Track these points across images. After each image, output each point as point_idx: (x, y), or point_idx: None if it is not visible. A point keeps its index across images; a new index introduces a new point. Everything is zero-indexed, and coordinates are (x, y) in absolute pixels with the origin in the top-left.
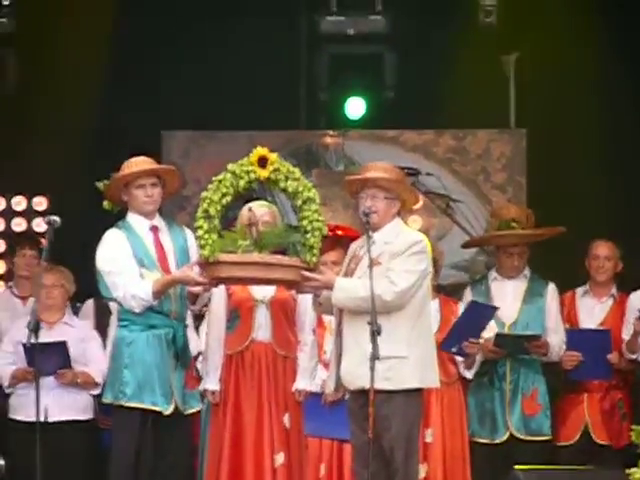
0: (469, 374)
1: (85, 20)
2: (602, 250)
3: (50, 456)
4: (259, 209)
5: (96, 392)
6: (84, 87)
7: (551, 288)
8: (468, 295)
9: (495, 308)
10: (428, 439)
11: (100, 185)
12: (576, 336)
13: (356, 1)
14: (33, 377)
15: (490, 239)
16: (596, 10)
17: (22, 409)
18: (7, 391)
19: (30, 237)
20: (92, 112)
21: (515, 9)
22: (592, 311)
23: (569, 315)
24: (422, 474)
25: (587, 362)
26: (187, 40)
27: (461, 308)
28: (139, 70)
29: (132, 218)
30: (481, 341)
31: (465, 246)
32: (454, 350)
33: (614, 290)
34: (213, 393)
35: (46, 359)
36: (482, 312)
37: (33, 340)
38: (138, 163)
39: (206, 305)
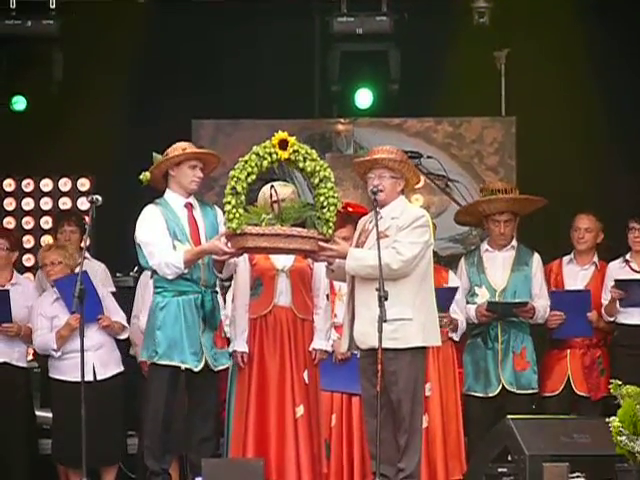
0: (455, 336)
1: (124, 20)
2: (583, 222)
3: (97, 409)
4: (281, 188)
5: (125, 335)
6: (123, 80)
7: (536, 257)
8: (463, 264)
9: (455, 289)
10: (427, 393)
11: (157, 157)
12: (559, 297)
13: (364, 3)
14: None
15: (476, 204)
16: (577, 11)
17: (69, 371)
18: (56, 355)
19: (72, 214)
20: (130, 104)
21: (505, 10)
22: (576, 277)
23: (556, 280)
24: (424, 424)
25: (569, 321)
26: (215, 39)
27: (452, 276)
28: (173, 66)
29: (169, 196)
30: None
31: (457, 216)
32: None
33: (596, 258)
34: (242, 354)
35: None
36: (442, 294)
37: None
38: (191, 146)
39: (232, 276)
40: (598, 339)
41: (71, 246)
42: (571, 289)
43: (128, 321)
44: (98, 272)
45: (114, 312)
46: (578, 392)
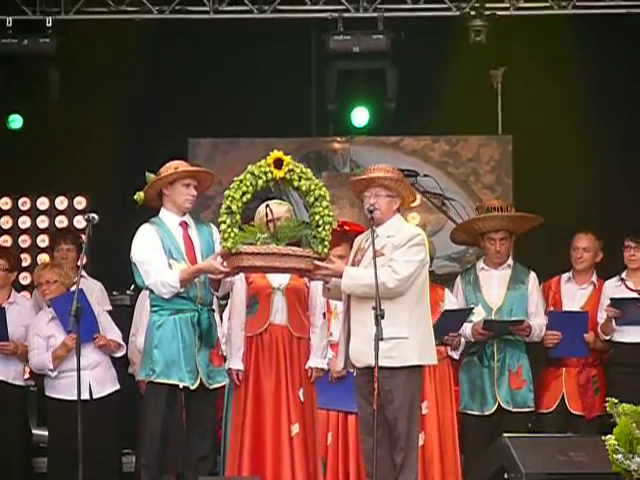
0: (455, 354)
1: (120, 39)
2: (581, 242)
3: (93, 427)
4: (276, 206)
5: (121, 354)
6: (119, 99)
7: (532, 276)
8: (459, 283)
9: (470, 309)
10: (423, 411)
11: (150, 176)
12: (557, 317)
13: (360, 22)
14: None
15: (472, 222)
16: (572, 30)
17: (65, 389)
18: (53, 375)
19: (68, 232)
20: (126, 122)
21: (502, 28)
22: (574, 296)
23: (554, 299)
24: (420, 442)
25: (566, 341)
26: (212, 57)
27: (448, 294)
28: (169, 84)
29: (164, 214)
30: (462, 333)
31: (453, 234)
32: (437, 342)
33: (594, 277)
34: (237, 372)
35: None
36: (458, 314)
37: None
38: (184, 165)
39: (228, 294)
40: (594, 358)
41: (66, 264)
42: (569, 310)
43: (125, 339)
44: (95, 290)
45: (109, 330)
46: (572, 411)
